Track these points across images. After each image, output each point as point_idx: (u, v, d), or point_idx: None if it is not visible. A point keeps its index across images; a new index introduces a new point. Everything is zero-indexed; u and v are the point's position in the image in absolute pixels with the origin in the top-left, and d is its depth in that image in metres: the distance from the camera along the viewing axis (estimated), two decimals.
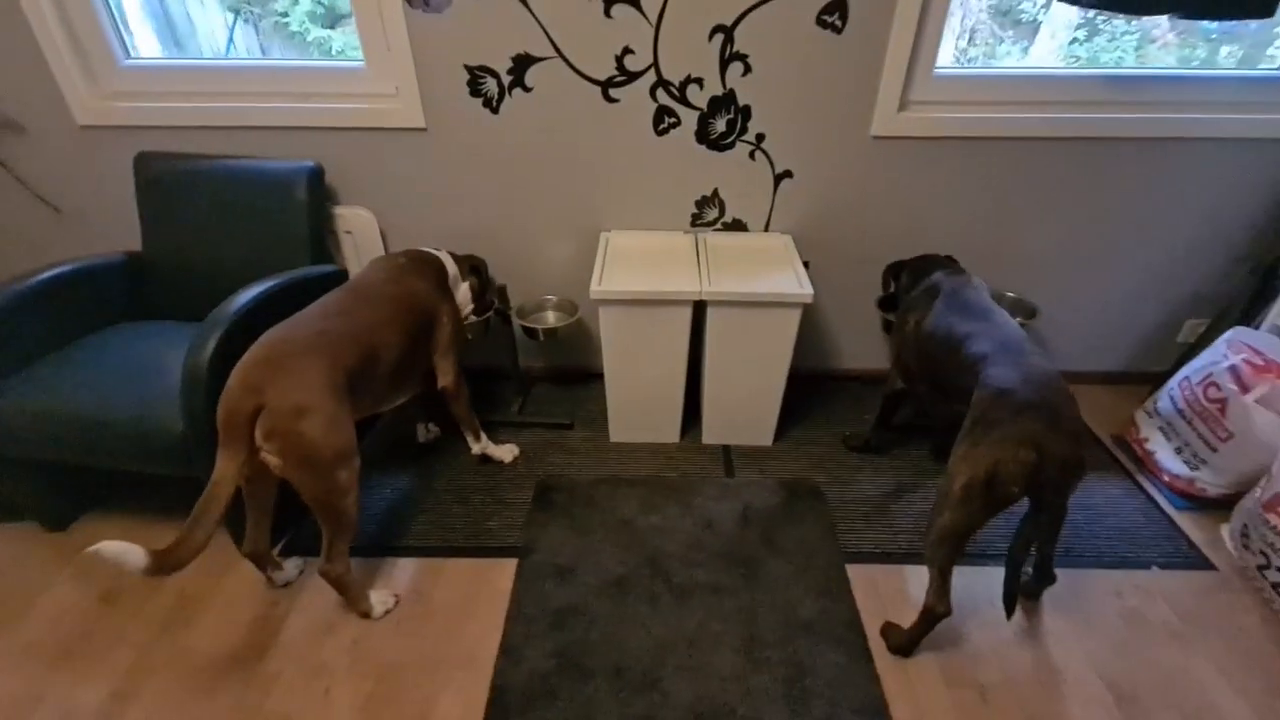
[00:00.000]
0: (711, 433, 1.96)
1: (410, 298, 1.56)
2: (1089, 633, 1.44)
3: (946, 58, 1.76)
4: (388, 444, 1.98)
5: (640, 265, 1.77)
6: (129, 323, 1.76)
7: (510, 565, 1.58)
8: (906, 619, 1.38)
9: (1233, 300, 1.96)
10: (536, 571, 1.56)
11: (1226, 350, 1.67)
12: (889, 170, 1.86)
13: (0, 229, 2.01)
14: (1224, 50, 1.92)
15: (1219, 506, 1.70)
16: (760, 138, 1.82)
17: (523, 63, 1.71)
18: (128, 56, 1.82)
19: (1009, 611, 1.32)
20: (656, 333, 1.73)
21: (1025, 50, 1.96)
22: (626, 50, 1.69)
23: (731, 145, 1.83)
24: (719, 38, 1.67)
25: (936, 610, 1.30)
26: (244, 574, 1.56)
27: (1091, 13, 1.86)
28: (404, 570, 1.59)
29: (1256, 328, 1.80)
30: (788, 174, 1.88)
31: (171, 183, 1.78)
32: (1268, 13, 1.48)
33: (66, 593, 1.54)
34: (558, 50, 1.69)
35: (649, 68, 1.71)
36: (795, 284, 1.67)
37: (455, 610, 1.49)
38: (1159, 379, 1.92)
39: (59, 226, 2.00)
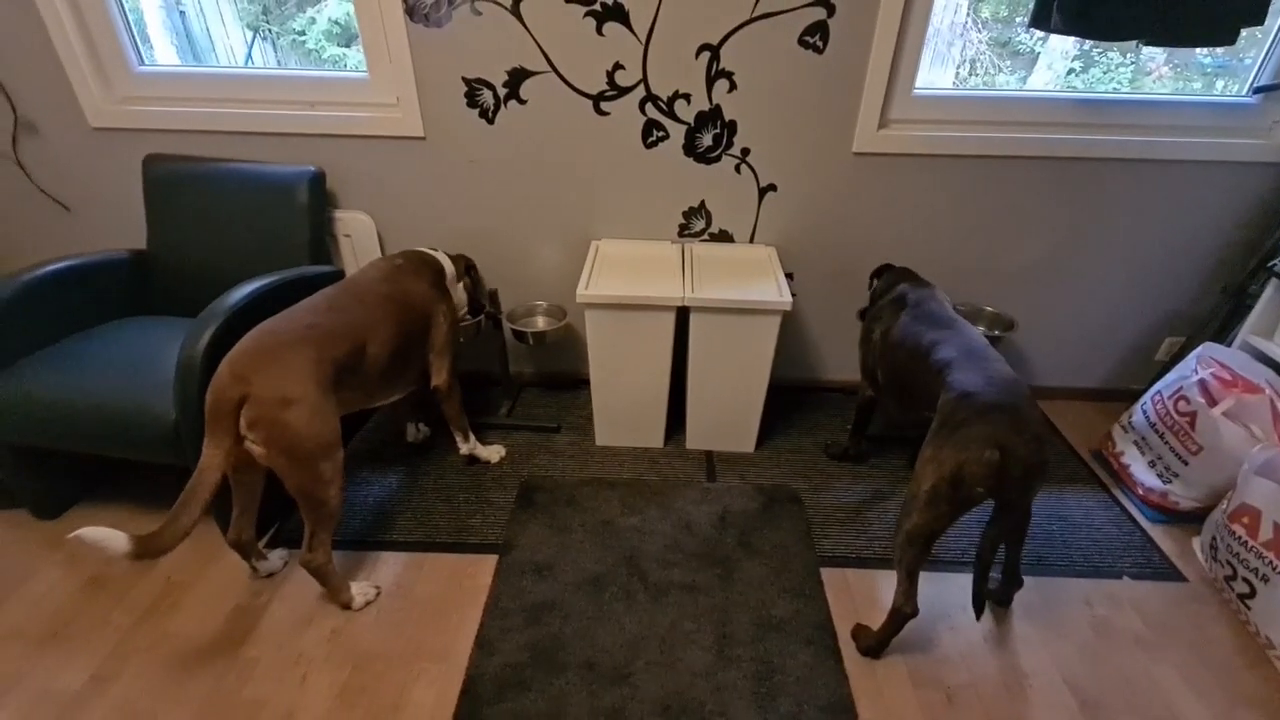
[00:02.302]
0: (695, 438, 1.99)
1: (403, 296, 1.60)
2: (1057, 639, 1.45)
3: (946, 86, 1.79)
4: (378, 442, 2.02)
5: (627, 272, 1.82)
6: (132, 317, 1.81)
7: (490, 561, 1.61)
8: (878, 621, 1.40)
9: (1207, 319, 2.00)
10: (515, 568, 1.59)
11: (1196, 365, 1.70)
12: (870, 186, 1.92)
13: (11, 225, 2.08)
14: (1219, 84, 1.96)
15: (1192, 519, 1.72)
16: (745, 152, 1.88)
17: (518, 76, 1.79)
18: (141, 63, 1.90)
19: (978, 612, 1.35)
20: (641, 338, 1.78)
21: (1023, 80, 2.01)
22: (617, 66, 1.76)
23: (718, 159, 1.90)
24: (706, 55, 1.74)
25: (904, 611, 1.32)
26: (229, 564, 1.59)
27: (1087, 45, 1.92)
28: (387, 564, 1.62)
29: (1229, 345, 1.84)
30: (772, 187, 1.94)
31: (178, 184, 1.84)
32: (1230, 40, 1.54)
33: (54, 578, 1.57)
34: (551, 65, 1.77)
35: (639, 83, 1.78)
36: (776, 292, 1.72)
37: (434, 604, 1.52)
38: (1138, 396, 1.96)
39: (68, 224, 2.06)
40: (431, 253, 1.76)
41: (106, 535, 1.11)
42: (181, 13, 2.06)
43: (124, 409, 1.46)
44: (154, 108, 1.89)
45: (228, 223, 1.83)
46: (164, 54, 1.98)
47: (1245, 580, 1.46)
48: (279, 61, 2.18)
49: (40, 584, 1.55)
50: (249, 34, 2.17)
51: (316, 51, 2.13)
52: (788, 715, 1.28)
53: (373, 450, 1.99)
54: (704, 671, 1.36)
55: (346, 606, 1.49)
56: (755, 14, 1.68)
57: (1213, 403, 1.61)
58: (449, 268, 1.77)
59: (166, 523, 1.18)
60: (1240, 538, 1.45)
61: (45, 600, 1.51)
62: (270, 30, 2.17)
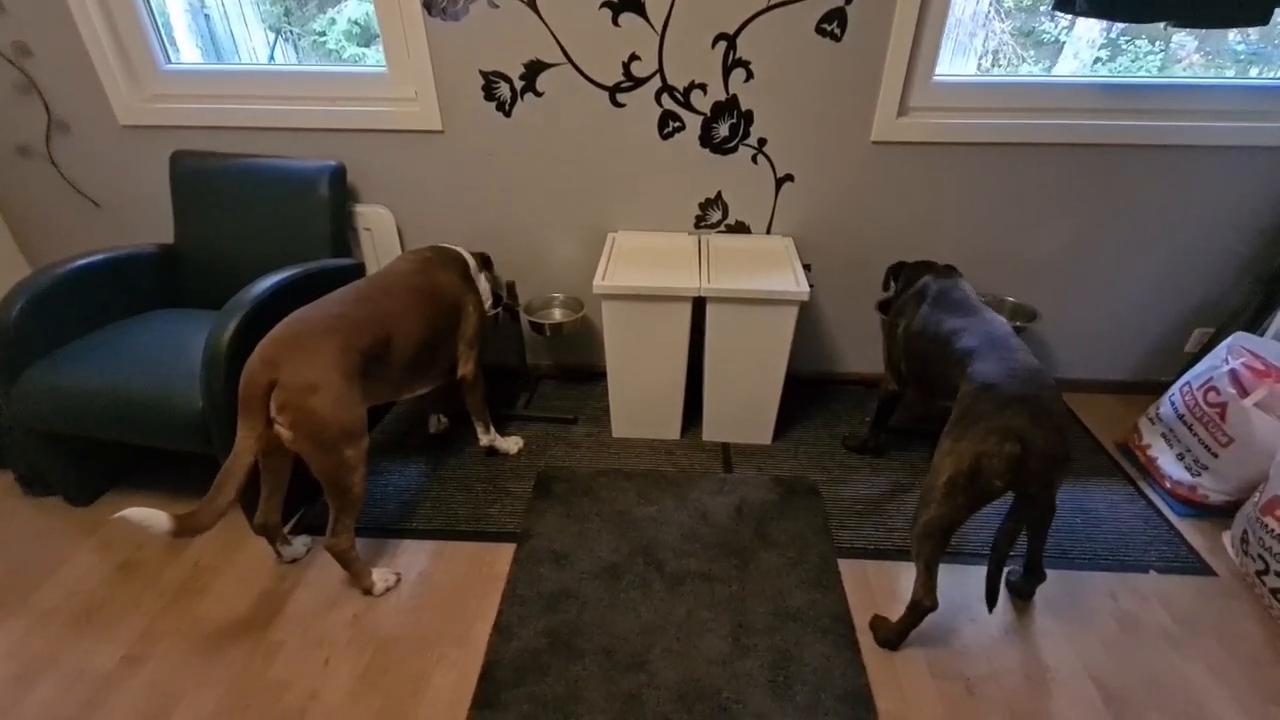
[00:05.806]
0: (712, 430, 1.99)
1: (433, 289, 1.62)
2: (1081, 633, 1.43)
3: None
4: (399, 433, 2.05)
5: (644, 263, 1.83)
6: (159, 310, 1.86)
7: (508, 550, 1.63)
8: (896, 614, 1.39)
9: (1239, 308, 1.95)
10: (533, 556, 1.60)
11: (1227, 355, 1.66)
12: (889, 175, 1.90)
13: (44, 222, 2.14)
14: (1253, 70, 1.90)
15: (1222, 513, 1.68)
16: (762, 142, 1.87)
17: (534, 68, 1.79)
18: (168, 62, 1.95)
19: (990, 604, 1.33)
20: (657, 329, 1.78)
21: (1048, 70, 1.97)
22: (633, 57, 1.76)
23: (734, 149, 1.89)
24: (722, 45, 1.73)
25: (923, 604, 1.31)
26: (255, 550, 1.62)
27: (1114, 33, 1.88)
28: (407, 551, 1.64)
29: (1262, 335, 1.79)
30: (789, 178, 1.92)
31: (203, 179, 1.88)
32: (1263, 20, 1.50)
33: (88, 563, 1.61)
34: (568, 56, 1.77)
35: (654, 74, 1.78)
36: (793, 283, 1.71)
37: (453, 590, 1.54)
38: (1166, 389, 1.91)
39: (99, 220, 2.12)
40: (453, 248, 1.78)
41: (149, 515, 1.17)
42: (206, 16, 2.11)
43: (152, 398, 1.50)
44: (180, 105, 1.93)
45: (252, 217, 1.87)
46: (190, 57, 2.02)
47: (1279, 574, 1.42)
48: (300, 62, 2.21)
49: (74, 568, 1.60)
50: (271, 35, 2.21)
51: (337, 52, 2.16)
52: (804, 704, 1.28)
53: (394, 441, 2.01)
54: (720, 659, 1.36)
55: (368, 592, 1.52)
56: (772, 2, 1.67)
57: (1244, 393, 1.57)
58: (471, 262, 1.79)
59: (204, 503, 1.22)
60: (1274, 531, 1.42)
61: (79, 584, 1.56)
62: (292, 31, 2.20)
